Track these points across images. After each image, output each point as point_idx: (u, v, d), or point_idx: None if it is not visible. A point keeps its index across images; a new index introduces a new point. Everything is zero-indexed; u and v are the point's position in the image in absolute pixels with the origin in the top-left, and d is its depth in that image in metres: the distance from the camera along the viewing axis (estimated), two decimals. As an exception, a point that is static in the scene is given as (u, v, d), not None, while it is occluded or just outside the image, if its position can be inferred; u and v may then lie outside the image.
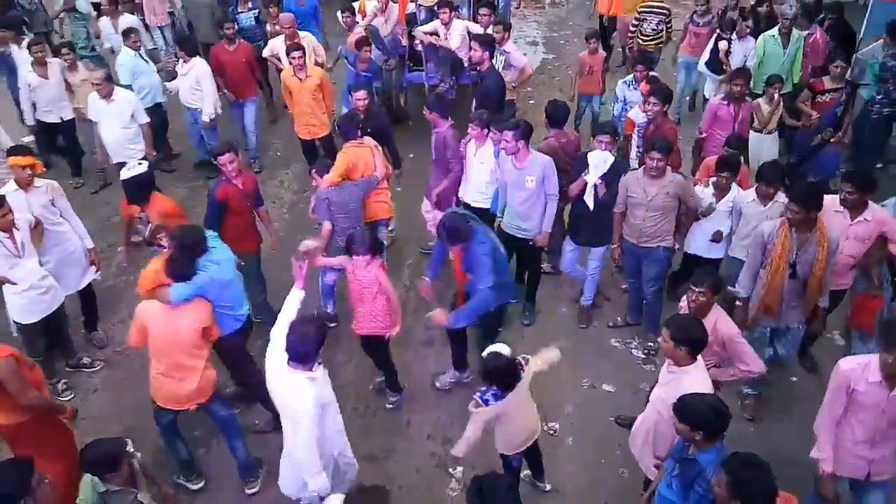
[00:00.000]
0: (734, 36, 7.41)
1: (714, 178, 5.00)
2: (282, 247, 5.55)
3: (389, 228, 6.12)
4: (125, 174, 4.79)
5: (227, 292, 4.22)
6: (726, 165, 4.92)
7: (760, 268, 4.37)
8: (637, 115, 5.87)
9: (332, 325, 5.46)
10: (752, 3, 8.32)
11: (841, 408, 3.42)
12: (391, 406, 4.96)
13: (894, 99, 6.74)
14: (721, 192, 4.97)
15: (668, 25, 8.22)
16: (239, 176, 5.01)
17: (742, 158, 5.39)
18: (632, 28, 8.35)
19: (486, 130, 5.37)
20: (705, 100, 7.74)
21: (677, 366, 3.39)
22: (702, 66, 7.60)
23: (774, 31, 7.13)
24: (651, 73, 6.59)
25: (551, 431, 4.75)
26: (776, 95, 6.25)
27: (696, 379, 3.29)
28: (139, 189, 4.77)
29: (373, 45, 7.76)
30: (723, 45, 7.27)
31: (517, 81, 7.20)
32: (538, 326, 5.68)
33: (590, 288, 5.64)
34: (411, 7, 8.55)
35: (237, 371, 4.72)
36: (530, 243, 5.27)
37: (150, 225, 4.52)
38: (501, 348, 3.73)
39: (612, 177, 4.98)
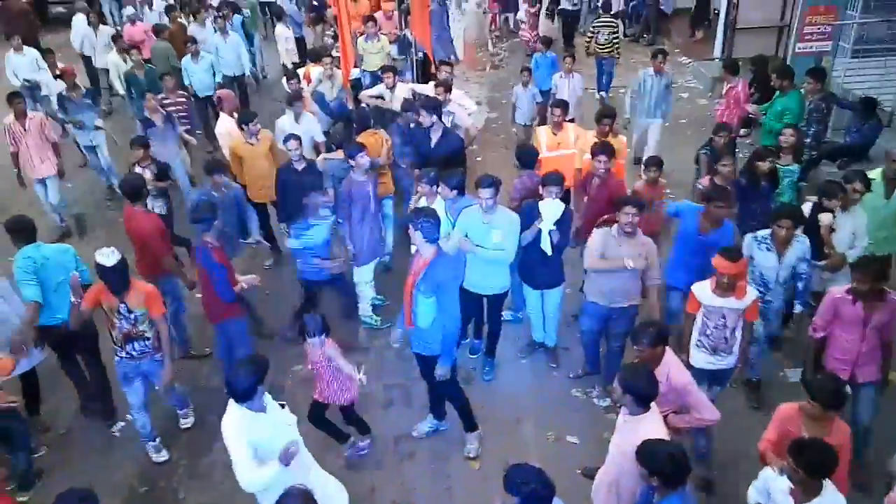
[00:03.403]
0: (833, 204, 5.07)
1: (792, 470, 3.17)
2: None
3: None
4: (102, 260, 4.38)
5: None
6: (807, 456, 3.10)
7: None
8: (702, 291, 4.46)
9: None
10: (751, 158, 5.86)
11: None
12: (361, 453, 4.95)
13: (822, 142, 7.06)
14: (808, 495, 3.23)
15: (616, 36, 10.08)
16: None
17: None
18: (587, 38, 10.27)
19: (434, 187, 5.43)
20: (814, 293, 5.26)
21: (630, 414, 3.41)
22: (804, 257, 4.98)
23: (876, 173, 5.41)
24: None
25: (518, 488, 4.66)
26: None
27: (648, 427, 3.31)
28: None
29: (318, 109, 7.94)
30: (826, 217, 5.06)
31: (465, 142, 7.33)
32: (499, 381, 5.64)
33: (553, 328, 5.66)
34: (355, 73, 8.79)
35: None
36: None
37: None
38: None
39: (564, 224, 5.13)
